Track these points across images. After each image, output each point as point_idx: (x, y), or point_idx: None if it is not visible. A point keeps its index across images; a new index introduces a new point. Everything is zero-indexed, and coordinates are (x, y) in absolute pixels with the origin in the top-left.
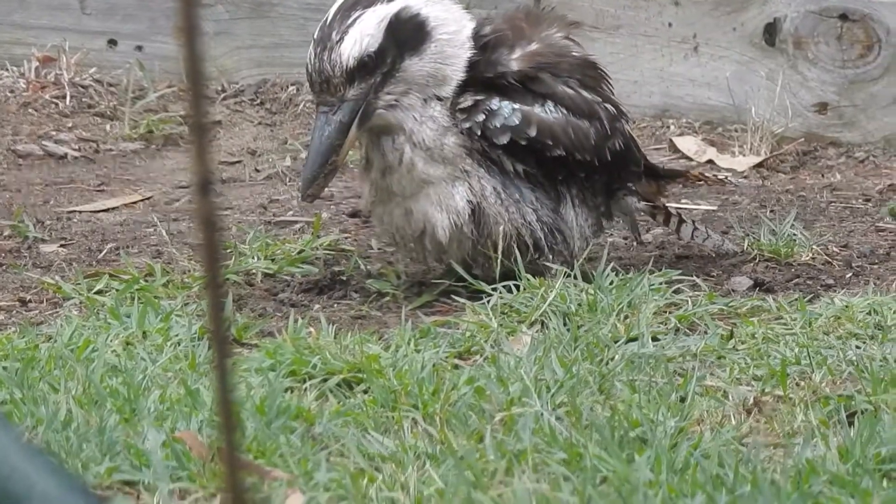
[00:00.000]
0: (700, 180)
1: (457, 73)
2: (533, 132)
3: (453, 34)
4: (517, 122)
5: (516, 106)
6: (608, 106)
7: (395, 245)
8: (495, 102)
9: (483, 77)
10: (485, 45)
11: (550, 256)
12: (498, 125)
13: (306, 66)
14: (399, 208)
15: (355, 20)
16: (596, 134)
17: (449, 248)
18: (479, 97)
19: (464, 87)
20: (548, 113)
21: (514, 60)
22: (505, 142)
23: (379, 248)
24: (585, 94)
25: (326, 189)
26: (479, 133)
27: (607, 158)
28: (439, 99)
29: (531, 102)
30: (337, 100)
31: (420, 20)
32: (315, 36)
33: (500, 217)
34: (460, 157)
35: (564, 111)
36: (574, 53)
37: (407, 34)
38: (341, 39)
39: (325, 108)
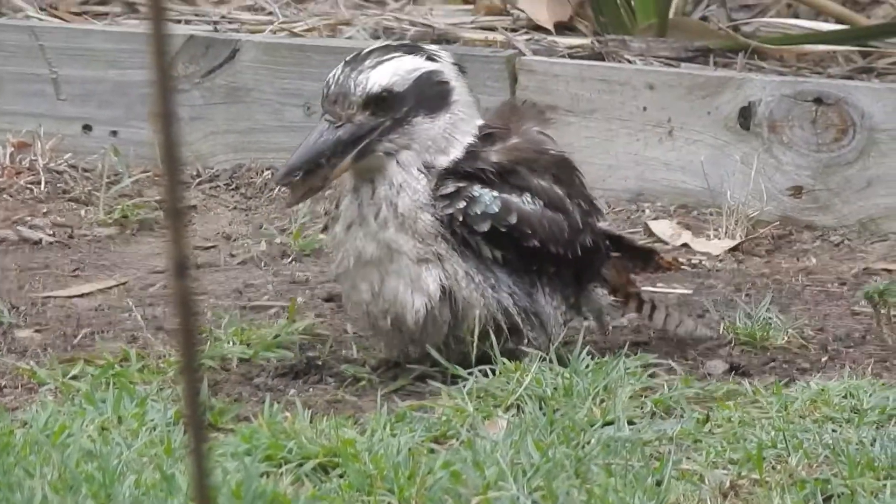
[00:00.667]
0: (670, 267)
1: (455, 151)
2: (513, 220)
3: (467, 116)
4: (497, 210)
5: (496, 194)
6: (581, 202)
7: (370, 330)
8: (476, 189)
9: (463, 169)
10: (485, 137)
11: (526, 341)
12: (479, 212)
13: (328, 81)
14: (365, 283)
15: (393, 58)
16: (569, 227)
17: (421, 333)
18: (460, 184)
19: (445, 175)
20: (525, 204)
21: (494, 153)
22: (485, 229)
23: (354, 333)
24: (559, 189)
25: (302, 273)
26: (460, 219)
27: (578, 253)
28: (428, 172)
29: (509, 192)
30: (344, 117)
31: (447, 88)
32: (347, 58)
33: (475, 301)
34: (432, 239)
35: (541, 203)
36: (550, 150)
37: (431, 94)
38: (375, 66)
39: (331, 119)
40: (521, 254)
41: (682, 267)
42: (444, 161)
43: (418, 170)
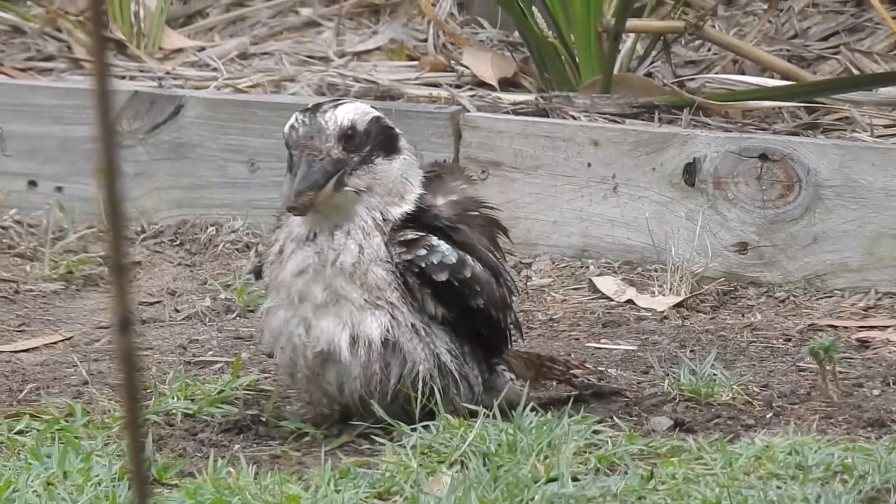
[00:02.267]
0: (573, 384)
1: (409, 199)
2: (468, 274)
3: (413, 164)
4: (454, 261)
5: (450, 247)
6: (508, 275)
7: (290, 379)
8: (435, 240)
9: (421, 220)
10: (427, 186)
11: (457, 400)
12: (436, 261)
13: (289, 131)
14: (297, 318)
15: (346, 102)
16: (500, 298)
17: (349, 380)
18: (420, 233)
19: (403, 225)
20: (474, 262)
21: (443, 207)
22: (443, 279)
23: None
24: (495, 254)
25: (246, 329)
26: (419, 266)
27: (508, 324)
28: (384, 225)
29: (458, 249)
30: (324, 150)
31: (394, 134)
32: (300, 111)
33: (418, 355)
34: (382, 289)
35: (480, 266)
36: (484, 207)
37: (384, 137)
38: (336, 107)
39: (311, 156)
40: (461, 314)
41: (582, 384)
42: (398, 212)
43: (376, 222)
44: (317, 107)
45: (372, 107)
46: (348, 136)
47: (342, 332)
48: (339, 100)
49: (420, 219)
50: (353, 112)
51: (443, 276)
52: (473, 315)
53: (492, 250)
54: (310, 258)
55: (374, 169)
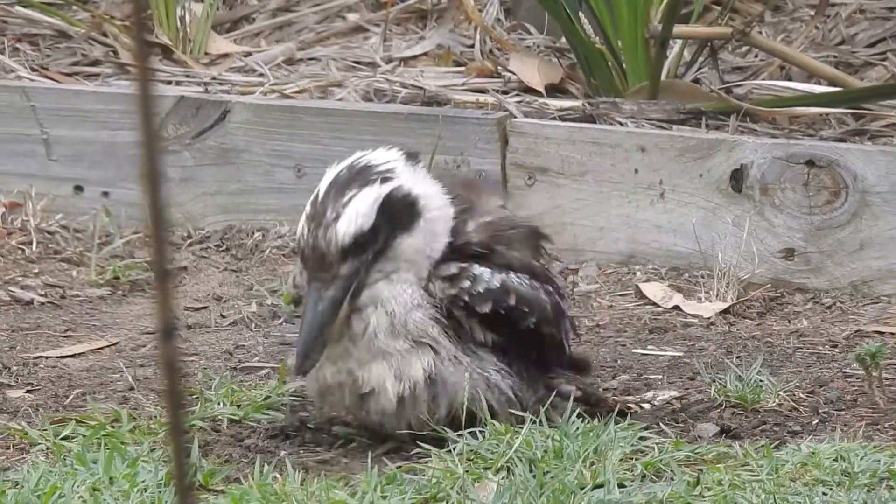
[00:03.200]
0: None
1: (438, 250)
2: (513, 300)
3: (440, 210)
4: (497, 287)
5: (493, 272)
6: (558, 284)
7: (320, 397)
8: (477, 268)
9: (460, 249)
10: (460, 213)
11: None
12: (481, 290)
13: (298, 241)
14: (342, 373)
15: (350, 199)
16: (553, 307)
17: (397, 413)
18: (463, 265)
19: (444, 258)
20: (518, 282)
21: (475, 233)
22: (487, 310)
23: None
24: (537, 264)
25: (292, 335)
26: (464, 300)
27: (561, 335)
28: (418, 280)
29: (498, 271)
30: (329, 276)
31: (411, 200)
32: (307, 212)
33: (460, 383)
34: (423, 329)
35: (526, 278)
36: (521, 223)
37: (399, 213)
38: (337, 218)
39: (318, 283)
40: (513, 337)
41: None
42: (428, 263)
43: (408, 281)
44: (318, 213)
45: (388, 173)
46: (355, 245)
47: (387, 377)
48: (343, 192)
49: (461, 247)
50: (356, 215)
51: (486, 308)
52: (526, 336)
53: (536, 260)
54: (345, 328)
55: (394, 254)
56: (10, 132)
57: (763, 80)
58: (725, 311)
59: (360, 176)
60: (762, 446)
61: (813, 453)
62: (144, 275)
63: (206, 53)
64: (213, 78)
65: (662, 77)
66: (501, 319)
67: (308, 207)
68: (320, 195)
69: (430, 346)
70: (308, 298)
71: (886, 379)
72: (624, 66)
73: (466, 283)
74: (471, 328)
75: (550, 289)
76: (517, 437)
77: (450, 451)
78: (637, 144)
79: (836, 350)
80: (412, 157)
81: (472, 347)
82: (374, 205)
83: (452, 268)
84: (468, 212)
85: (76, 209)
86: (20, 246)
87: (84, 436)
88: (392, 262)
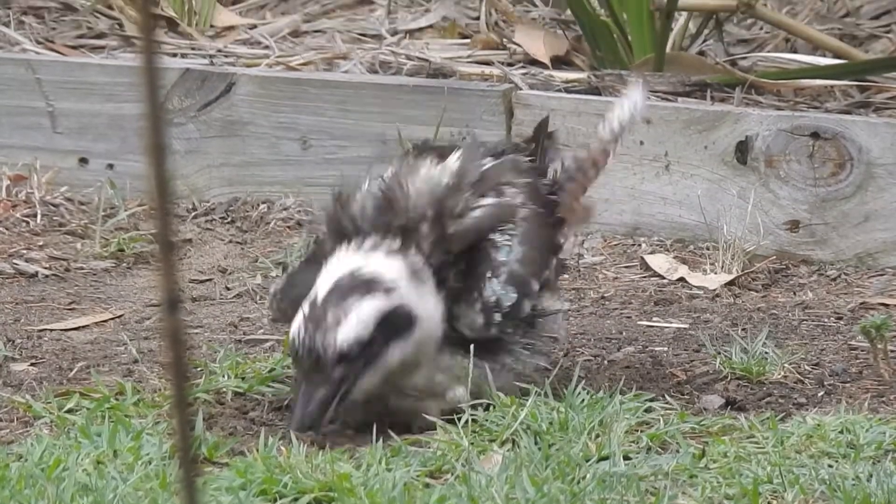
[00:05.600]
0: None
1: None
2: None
3: (433, 317)
4: (514, 296)
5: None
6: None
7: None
8: (487, 290)
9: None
10: None
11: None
12: (503, 302)
13: (293, 342)
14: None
15: (352, 308)
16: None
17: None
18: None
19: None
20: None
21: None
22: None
23: None
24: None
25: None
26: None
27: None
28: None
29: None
30: (321, 379)
31: (411, 316)
32: (305, 312)
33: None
34: (453, 370)
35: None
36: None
37: (397, 327)
38: (338, 323)
39: (309, 385)
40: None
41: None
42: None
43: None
44: (316, 316)
45: (391, 285)
46: (352, 355)
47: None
48: (344, 298)
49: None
50: (356, 324)
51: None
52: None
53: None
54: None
55: (385, 362)
56: (15, 105)
57: (768, 52)
58: (731, 283)
59: (365, 286)
60: (767, 418)
61: (818, 425)
62: (149, 247)
63: (212, 26)
64: (219, 50)
65: (668, 49)
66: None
67: (306, 308)
68: (319, 299)
69: (467, 376)
70: (300, 395)
71: (892, 351)
72: (629, 38)
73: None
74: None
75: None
76: (522, 410)
77: (454, 423)
78: (642, 116)
79: (842, 322)
80: (416, 274)
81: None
82: (373, 316)
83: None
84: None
85: (81, 182)
86: (24, 218)
87: (88, 409)
88: (381, 373)
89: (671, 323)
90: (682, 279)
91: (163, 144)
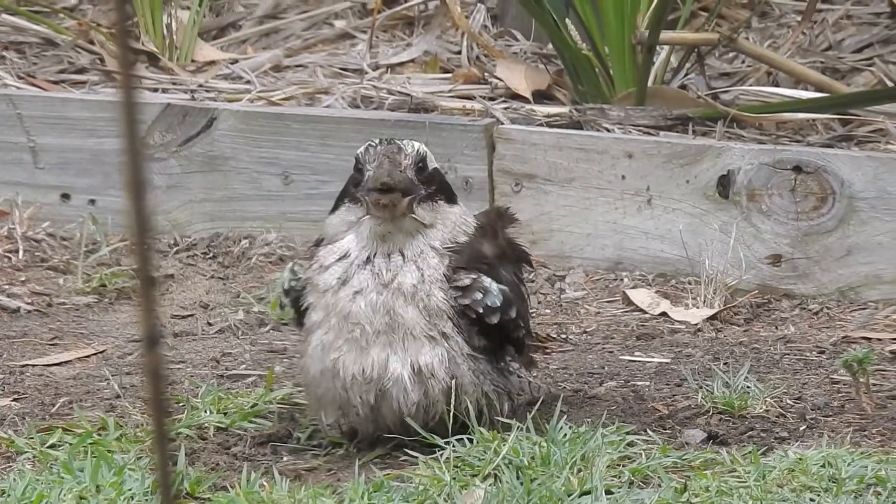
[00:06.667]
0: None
1: (465, 237)
2: (513, 314)
3: (468, 218)
4: (500, 304)
5: (498, 286)
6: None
7: (330, 408)
8: (486, 281)
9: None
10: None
11: (500, 416)
12: (490, 304)
13: (367, 147)
14: (349, 349)
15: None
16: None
17: (409, 412)
18: (472, 276)
19: (457, 267)
20: (514, 299)
21: (487, 248)
22: (495, 321)
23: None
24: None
25: (279, 342)
26: (477, 312)
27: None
28: (443, 253)
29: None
30: (403, 166)
31: (451, 188)
32: (377, 147)
33: (470, 385)
34: (439, 316)
35: (516, 296)
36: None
37: (446, 186)
38: (410, 143)
39: (394, 163)
40: (502, 342)
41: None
42: (456, 240)
43: (435, 250)
44: (392, 142)
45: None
46: (420, 168)
47: (403, 367)
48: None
49: (472, 260)
50: (425, 150)
51: (495, 319)
52: (511, 342)
53: (517, 275)
54: (367, 280)
55: (438, 208)
56: None
57: (750, 85)
58: (713, 318)
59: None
60: (749, 452)
61: (800, 459)
62: (131, 282)
63: (193, 61)
64: (200, 85)
65: (649, 83)
66: (499, 329)
67: (377, 145)
68: (381, 140)
69: (443, 342)
70: (384, 165)
71: (873, 385)
72: (611, 72)
73: (479, 296)
74: (469, 333)
75: (527, 300)
76: (504, 444)
77: (437, 458)
78: (624, 150)
79: (824, 356)
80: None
81: (475, 351)
82: (433, 161)
83: (464, 278)
84: (487, 236)
85: (63, 217)
86: (6, 254)
87: (71, 444)
88: (434, 215)
89: (653, 357)
90: (664, 314)
91: (143, 180)
